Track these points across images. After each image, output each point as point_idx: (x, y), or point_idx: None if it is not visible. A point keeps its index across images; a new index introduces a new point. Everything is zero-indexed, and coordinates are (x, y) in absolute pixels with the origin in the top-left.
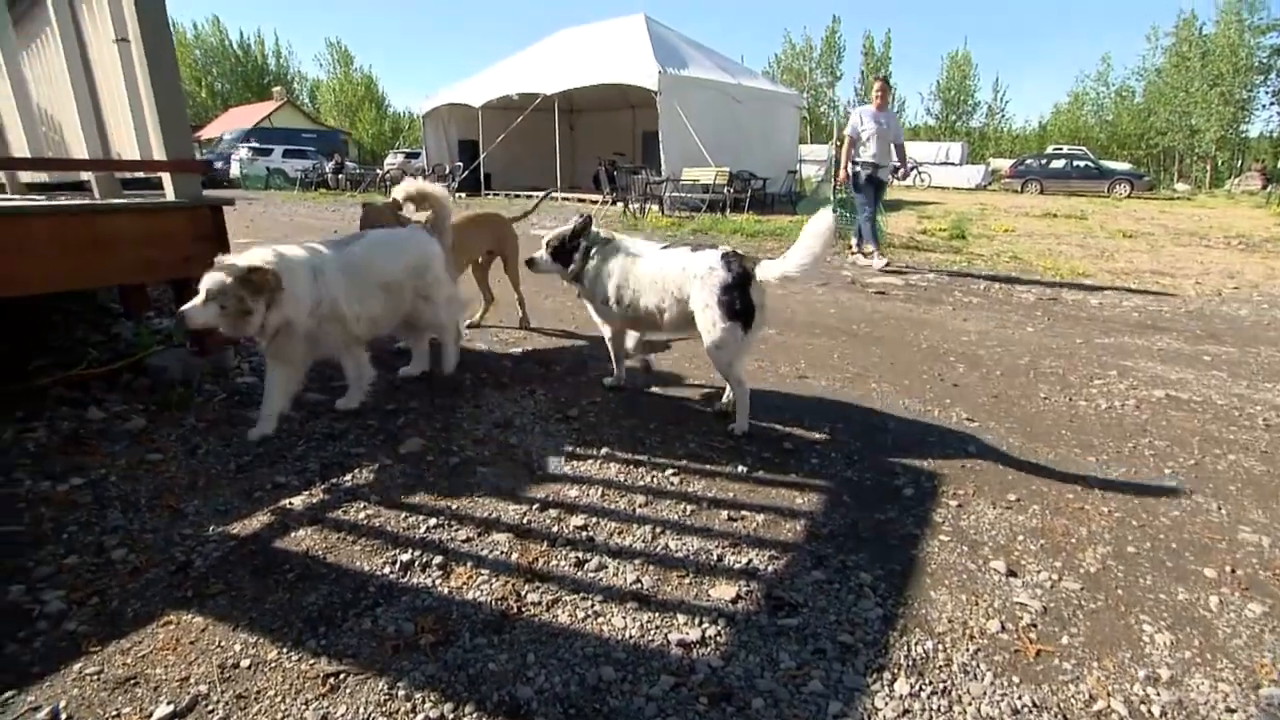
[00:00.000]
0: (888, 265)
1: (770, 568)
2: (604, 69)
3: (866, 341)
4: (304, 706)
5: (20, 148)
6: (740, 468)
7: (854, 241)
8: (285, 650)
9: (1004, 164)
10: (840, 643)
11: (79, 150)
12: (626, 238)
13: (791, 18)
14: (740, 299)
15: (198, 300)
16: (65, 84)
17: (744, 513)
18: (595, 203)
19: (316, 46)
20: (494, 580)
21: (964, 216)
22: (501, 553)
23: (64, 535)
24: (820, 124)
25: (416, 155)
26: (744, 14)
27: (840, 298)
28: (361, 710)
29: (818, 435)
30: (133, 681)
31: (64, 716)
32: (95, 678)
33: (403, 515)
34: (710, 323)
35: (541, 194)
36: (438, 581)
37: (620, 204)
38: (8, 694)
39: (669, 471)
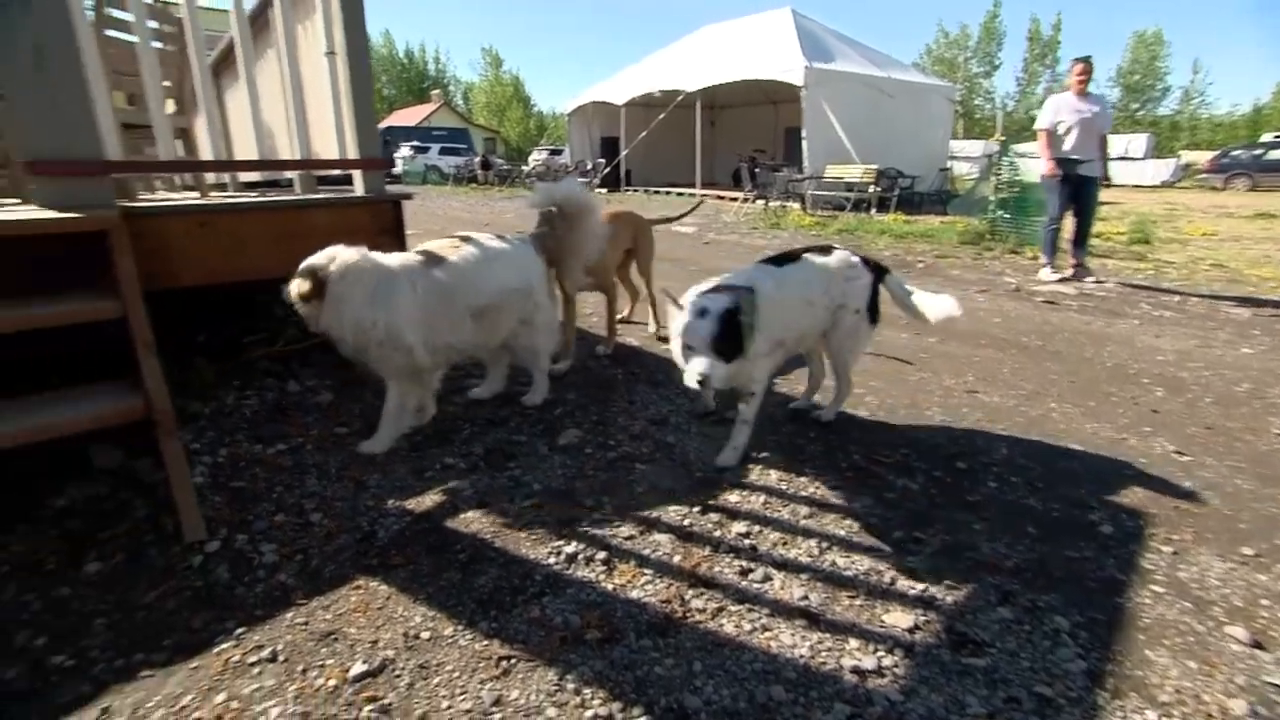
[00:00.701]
0: (1071, 278)
1: (949, 598)
2: (748, 65)
3: (1039, 356)
4: (479, 685)
5: (247, 151)
6: (910, 484)
7: (1043, 256)
8: (460, 628)
9: (1200, 157)
10: (1038, 695)
11: (287, 153)
12: (759, 274)
13: (945, 6)
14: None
15: (290, 285)
16: (280, 95)
17: (915, 533)
18: (734, 200)
19: (471, 52)
20: (657, 581)
21: (1147, 218)
22: (664, 554)
23: (274, 494)
24: (974, 118)
25: (560, 152)
26: (895, 4)
27: (1004, 306)
28: (533, 697)
29: (993, 456)
30: (333, 637)
31: (281, 659)
32: (303, 628)
33: (565, 506)
34: (855, 325)
35: (693, 199)
36: (601, 577)
37: (760, 201)
38: (239, 630)
39: (832, 483)
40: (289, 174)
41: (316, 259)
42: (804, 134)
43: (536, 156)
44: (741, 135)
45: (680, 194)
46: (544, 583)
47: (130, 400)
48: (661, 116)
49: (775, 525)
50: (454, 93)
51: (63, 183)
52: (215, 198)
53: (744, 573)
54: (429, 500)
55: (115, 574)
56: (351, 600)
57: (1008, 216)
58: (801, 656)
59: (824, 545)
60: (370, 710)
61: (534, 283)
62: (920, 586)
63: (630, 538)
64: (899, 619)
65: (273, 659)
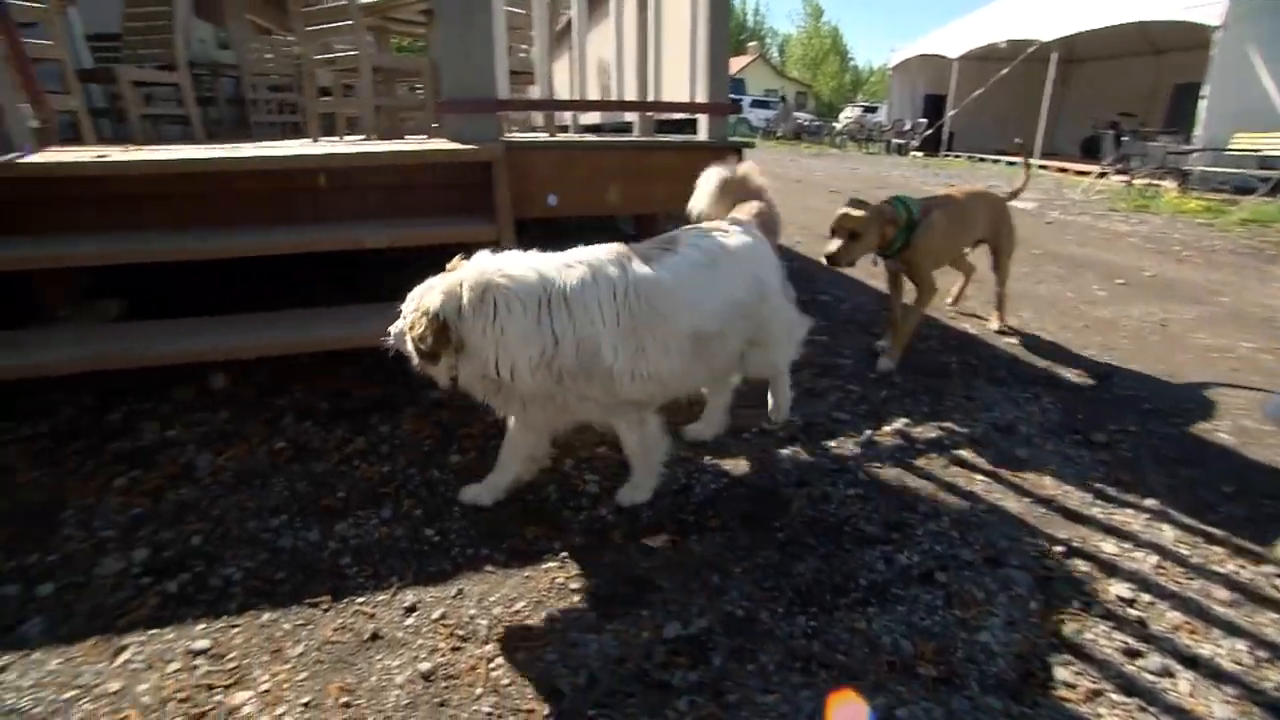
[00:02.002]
0: None
1: None
2: (1131, 3)
3: None
4: (793, 690)
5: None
6: None
7: None
8: (776, 618)
9: None
10: None
11: (630, 96)
12: None
13: None
14: None
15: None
16: (625, 39)
17: None
18: (1084, 174)
19: (791, 3)
20: (1008, 628)
21: None
22: (1017, 595)
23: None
24: None
25: (874, 110)
26: None
27: None
28: None
29: None
30: (646, 587)
31: (598, 595)
32: (618, 570)
33: (889, 505)
34: None
35: (1027, 169)
36: (938, 602)
37: (1120, 177)
38: (564, 554)
39: (1270, 569)
40: (627, 117)
41: (428, 296)
42: (1203, 91)
43: (848, 114)
44: (1101, 95)
45: (1011, 163)
46: (869, 590)
47: None
48: (1004, 72)
49: (1175, 602)
50: (769, 45)
51: (465, 118)
52: (561, 137)
53: (1129, 654)
54: (744, 465)
55: (470, 469)
56: (666, 554)
57: None
58: None
59: (1259, 655)
60: (684, 676)
61: (768, 287)
62: None
63: (971, 564)
64: None
65: (592, 592)
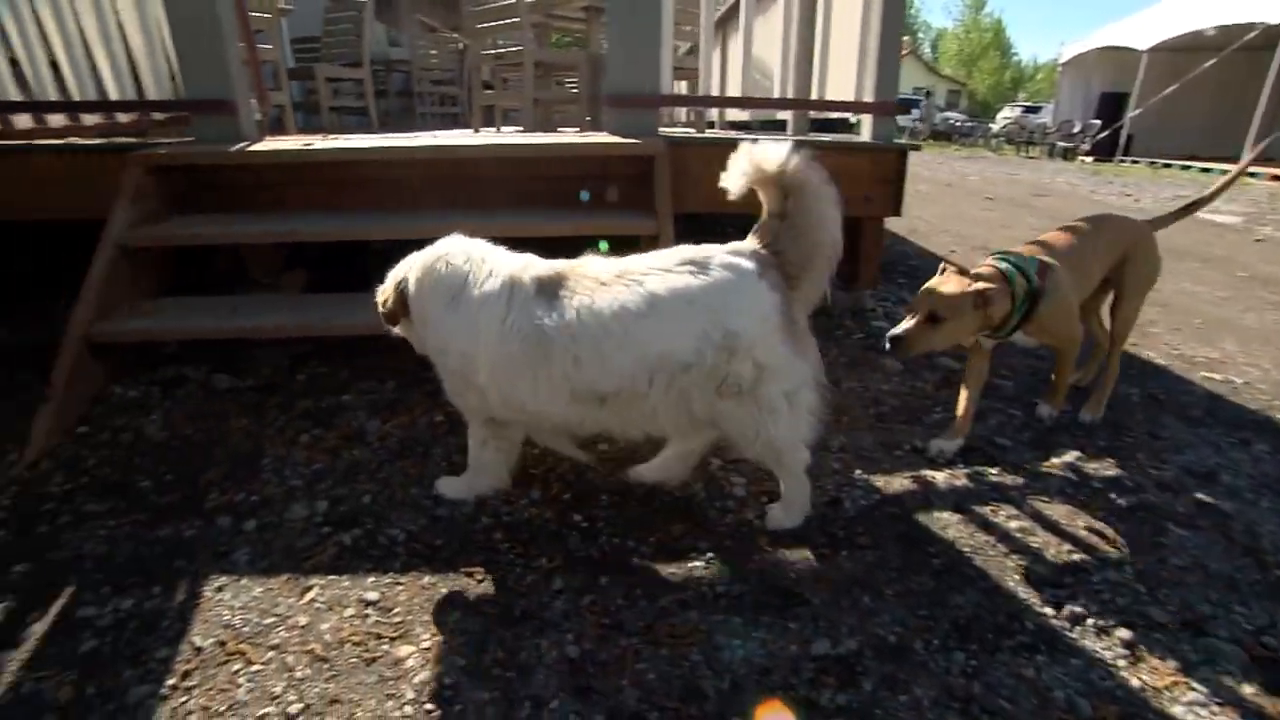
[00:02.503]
0: None
1: None
2: None
3: None
4: None
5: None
6: None
7: None
8: (930, 649)
9: None
10: None
11: (779, 94)
12: None
13: None
14: None
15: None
16: (786, 34)
17: None
18: None
19: None
20: (1215, 713)
21: None
22: (1225, 673)
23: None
24: None
25: (1036, 110)
26: None
27: None
28: None
29: None
30: (794, 598)
31: (747, 598)
32: (767, 577)
33: (1060, 545)
34: None
35: (1223, 178)
36: (1120, 662)
37: None
38: (709, 554)
39: None
40: (779, 115)
41: (400, 267)
42: None
43: (1006, 114)
44: None
45: (1205, 170)
46: (1036, 635)
47: None
48: (1209, 63)
49: None
50: (921, 40)
51: (628, 113)
52: (717, 134)
53: None
54: (898, 483)
55: (615, 458)
56: (815, 566)
57: None
58: None
59: None
60: (832, 698)
61: (745, 336)
62: None
63: (1164, 626)
64: None
65: (738, 596)
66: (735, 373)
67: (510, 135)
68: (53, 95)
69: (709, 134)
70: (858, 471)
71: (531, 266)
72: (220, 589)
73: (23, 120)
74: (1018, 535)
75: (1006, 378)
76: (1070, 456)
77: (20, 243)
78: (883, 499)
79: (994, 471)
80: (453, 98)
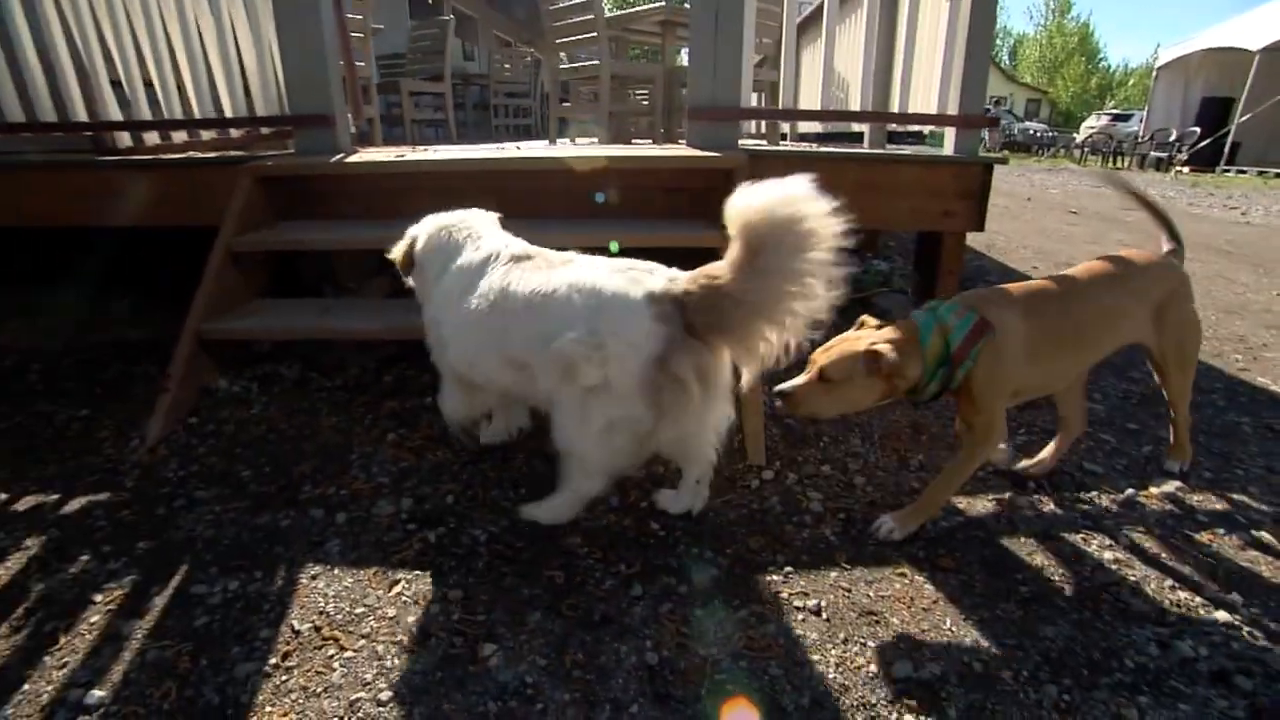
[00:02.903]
0: None
1: None
2: None
3: None
4: None
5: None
6: None
7: None
8: (1020, 681)
9: None
10: None
11: (856, 106)
12: None
13: None
14: None
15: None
16: (862, 48)
17: None
18: None
19: None
20: None
21: None
22: None
23: (821, 442)
24: None
25: (1126, 118)
26: None
27: None
28: None
29: None
30: (874, 618)
31: (824, 616)
32: (845, 594)
33: (1162, 581)
34: None
35: None
36: (1239, 713)
37: None
38: (787, 568)
39: None
40: (855, 126)
41: (417, 225)
42: None
43: (1092, 123)
44: None
45: None
46: (1138, 675)
47: None
48: None
49: None
50: (1000, 47)
51: (709, 125)
52: (799, 147)
53: None
54: (981, 505)
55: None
56: (895, 586)
57: None
58: None
59: None
60: None
61: (607, 348)
62: None
63: None
64: None
65: (816, 613)
66: (584, 371)
67: (592, 148)
68: (179, 114)
69: (785, 146)
70: None
71: (512, 245)
72: (314, 577)
73: (151, 136)
74: (1113, 567)
75: (1097, 400)
76: (1170, 487)
77: (135, 247)
78: (965, 521)
79: (1085, 499)
80: (526, 110)
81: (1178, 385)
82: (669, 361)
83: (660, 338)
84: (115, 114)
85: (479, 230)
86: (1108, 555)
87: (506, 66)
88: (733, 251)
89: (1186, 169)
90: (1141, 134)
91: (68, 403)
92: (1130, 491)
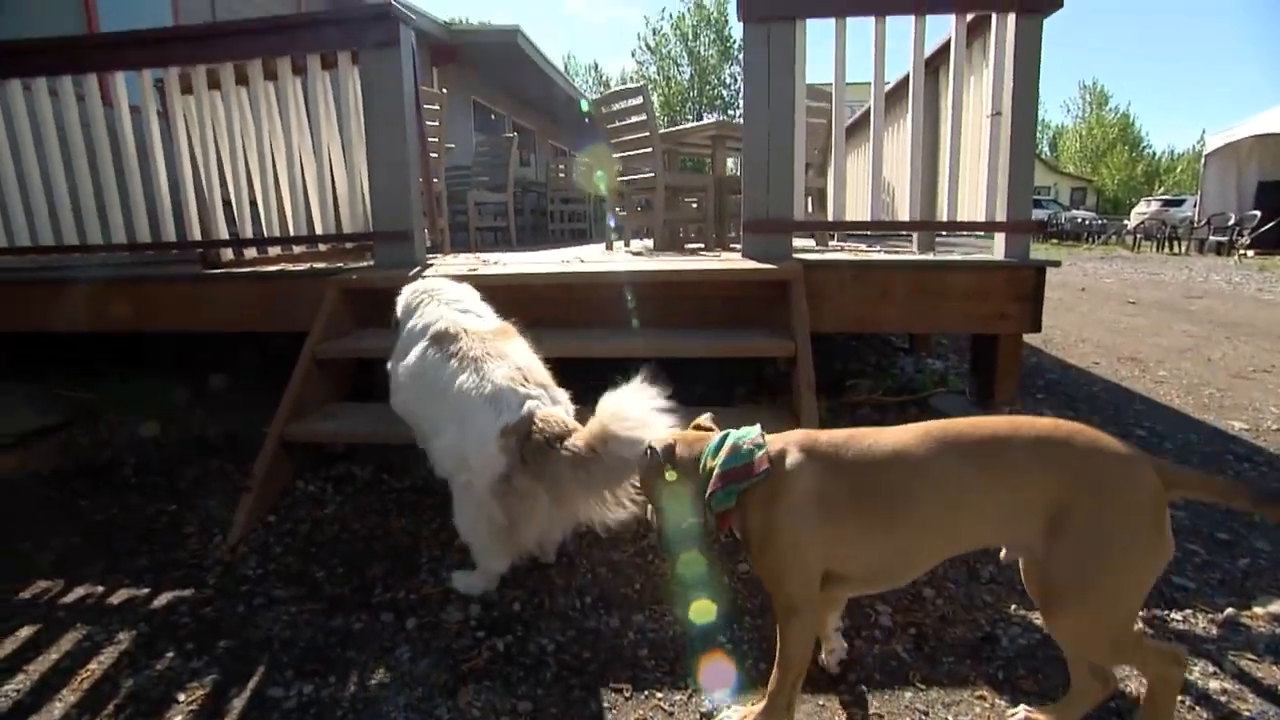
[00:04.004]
0: None
1: None
2: None
3: None
4: None
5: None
6: None
7: None
8: None
9: None
10: None
11: (904, 212)
12: None
13: None
14: None
15: None
16: (909, 154)
17: None
18: None
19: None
20: None
21: None
22: None
23: None
24: None
25: (1179, 203)
26: None
27: None
28: None
29: None
30: None
31: None
32: (923, 718)
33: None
34: None
35: None
36: None
37: None
38: (858, 685)
39: None
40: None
41: (407, 287)
42: None
43: (1143, 208)
44: None
45: None
46: None
47: (787, 420)
48: None
49: None
50: (1039, 139)
51: (764, 238)
52: (852, 255)
53: None
54: None
55: (757, 581)
56: (975, 709)
57: None
58: None
59: None
60: None
61: (465, 445)
62: None
63: None
64: None
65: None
66: (454, 474)
67: (653, 261)
68: (276, 230)
69: (835, 254)
70: (1014, 606)
71: (447, 319)
72: (384, 685)
73: (249, 250)
74: (1220, 698)
75: (1178, 506)
76: (1274, 607)
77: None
78: (1044, 638)
79: (1178, 617)
80: (580, 214)
81: (1068, 632)
82: (513, 479)
83: (504, 463)
84: (224, 232)
85: (446, 297)
86: (1214, 685)
87: (561, 172)
88: (590, 431)
89: (1251, 252)
90: (1197, 218)
91: (157, 496)
92: (1230, 611)
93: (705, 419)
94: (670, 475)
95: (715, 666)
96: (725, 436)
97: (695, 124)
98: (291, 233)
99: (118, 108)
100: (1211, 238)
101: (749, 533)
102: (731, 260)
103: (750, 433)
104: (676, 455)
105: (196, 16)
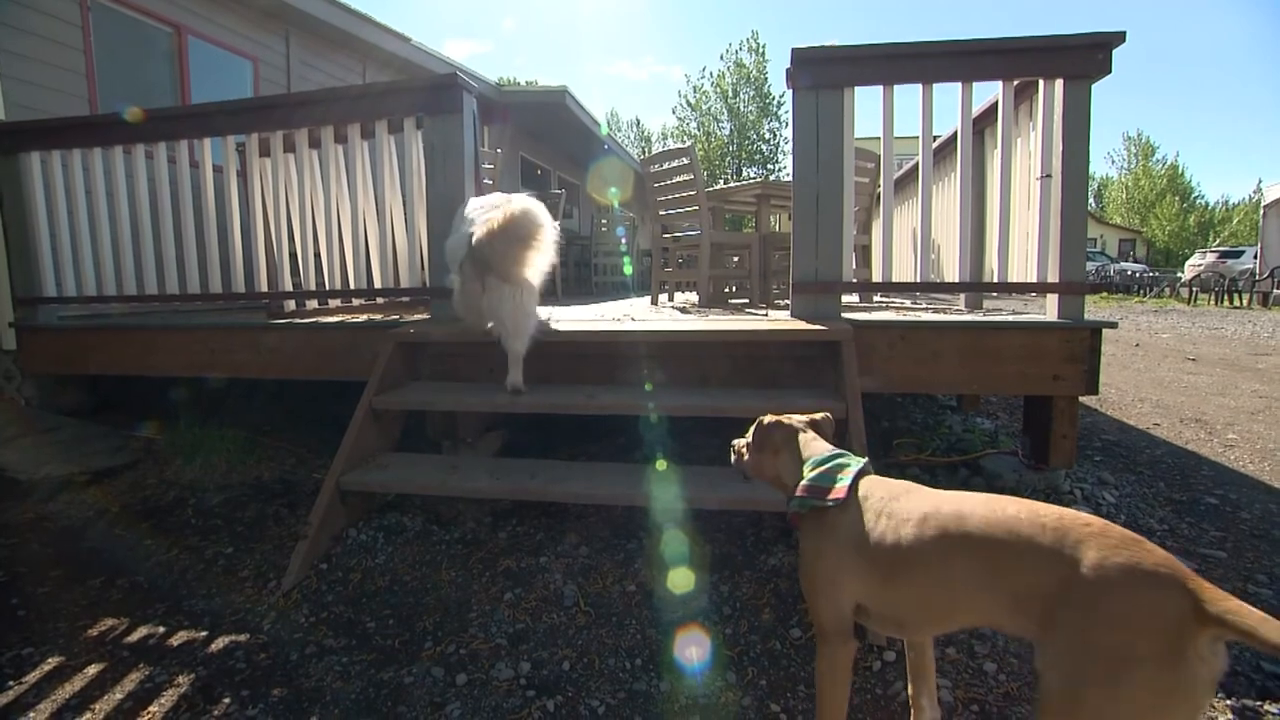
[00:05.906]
0: None
1: None
2: None
3: None
4: None
5: (903, 269)
6: None
7: None
8: None
9: None
10: None
11: (950, 271)
12: None
13: None
14: None
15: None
16: (957, 216)
17: None
18: None
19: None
20: None
21: None
22: None
23: None
24: None
25: (1237, 254)
26: None
27: None
28: None
29: None
30: None
31: None
32: None
33: None
34: None
35: None
36: None
37: None
38: None
39: None
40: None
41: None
42: None
43: (1197, 260)
44: None
45: None
46: None
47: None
48: None
49: None
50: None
51: (813, 298)
52: (904, 317)
53: None
54: None
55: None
56: None
57: None
58: None
59: None
60: None
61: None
62: None
63: None
64: None
65: None
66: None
67: (703, 321)
68: (338, 283)
69: (883, 314)
70: None
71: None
72: None
73: (310, 301)
74: None
75: (1263, 584)
76: None
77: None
78: None
79: (1273, 710)
80: (620, 268)
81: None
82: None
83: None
84: (288, 284)
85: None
86: None
87: (604, 225)
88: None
89: None
90: (1259, 270)
91: (215, 539)
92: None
93: (822, 417)
94: (789, 458)
95: None
96: (836, 456)
97: (740, 183)
98: (352, 285)
99: (202, 168)
100: (1276, 290)
101: (802, 547)
102: (781, 320)
103: (857, 463)
104: (799, 442)
105: (276, 86)
